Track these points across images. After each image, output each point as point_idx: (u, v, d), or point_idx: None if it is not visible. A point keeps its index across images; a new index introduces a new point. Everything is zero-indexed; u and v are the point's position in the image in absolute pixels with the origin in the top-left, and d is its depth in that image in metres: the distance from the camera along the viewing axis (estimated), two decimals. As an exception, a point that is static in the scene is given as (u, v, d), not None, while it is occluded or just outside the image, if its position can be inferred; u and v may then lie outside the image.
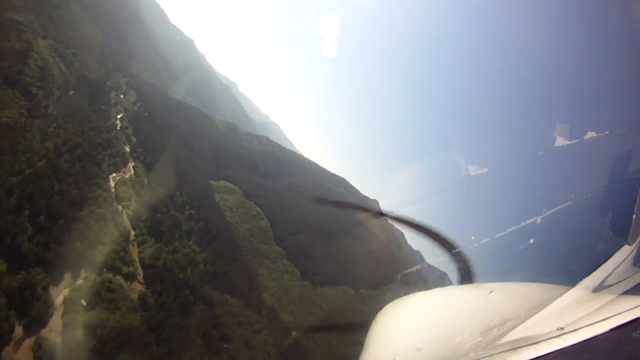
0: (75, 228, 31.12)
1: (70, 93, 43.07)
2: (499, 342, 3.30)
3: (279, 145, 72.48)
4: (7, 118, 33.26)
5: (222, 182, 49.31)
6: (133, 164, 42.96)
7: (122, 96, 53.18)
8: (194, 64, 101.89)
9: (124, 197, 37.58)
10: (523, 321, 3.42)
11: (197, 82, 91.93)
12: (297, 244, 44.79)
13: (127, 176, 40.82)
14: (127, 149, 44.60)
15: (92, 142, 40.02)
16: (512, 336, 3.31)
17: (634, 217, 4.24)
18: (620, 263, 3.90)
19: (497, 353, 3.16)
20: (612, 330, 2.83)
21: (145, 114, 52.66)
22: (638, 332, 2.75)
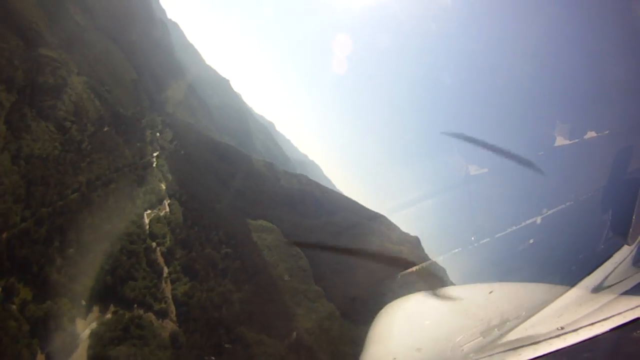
0: (106, 263, 30.68)
1: (105, 129, 43.11)
2: (499, 342, 3.30)
3: (317, 184, 71.93)
4: (40, 150, 33.34)
5: (260, 221, 49.23)
6: (169, 201, 42.47)
7: (158, 134, 53.09)
8: (230, 104, 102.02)
9: (158, 234, 37.03)
10: (523, 321, 3.42)
11: (234, 121, 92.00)
12: (338, 283, 44.02)
13: (162, 213, 40.31)
14: (163, 186, 44.17)
15: (126, 178, 39.78)
16: (512, 336, 3.31)
17: (634, 217, 4.23)
18: (620, 263, 3.90)
19: (497, 353, 3.16)
20: (612, 330, 2.83)
21: (182, 152, 52.42)
22: (638, 332, 2.75)
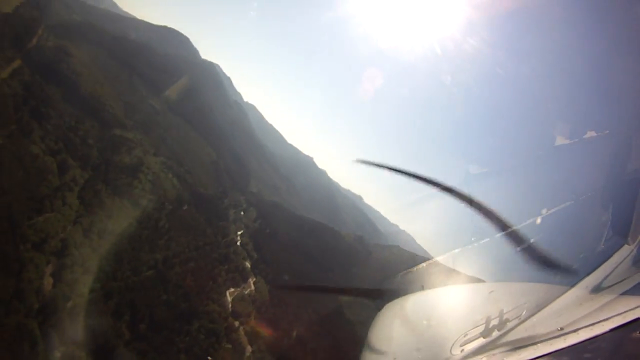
0: (181, 341, 30.20)
1: (184, 208, 43.01)
2: (499, 342, 3.30)
3: (410, 253, 69.36)
4: (114, 226, 33.52)
5: (352, 297, 48.78)
6: (254, 279, 41.71)
7: (242, 213, 52.66)
8: (316, 181, 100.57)
9: (241, 313, 36.20)
10: (523, 321, 3.42)
11: (321, 198, 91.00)
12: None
13: (246, 292, 39.56)
14: (248, 264, 43.43)
15: (207, 257, 39.32)
16: (512, 336, 3.31)
17: (634, 217, 4.23)
18: (620, 263, 3.90)
19: (497, 353, 3.16)
20: (612, 330, 2.83)
21: (267, 230, 51.72)
22: (638, 332, 2.75)
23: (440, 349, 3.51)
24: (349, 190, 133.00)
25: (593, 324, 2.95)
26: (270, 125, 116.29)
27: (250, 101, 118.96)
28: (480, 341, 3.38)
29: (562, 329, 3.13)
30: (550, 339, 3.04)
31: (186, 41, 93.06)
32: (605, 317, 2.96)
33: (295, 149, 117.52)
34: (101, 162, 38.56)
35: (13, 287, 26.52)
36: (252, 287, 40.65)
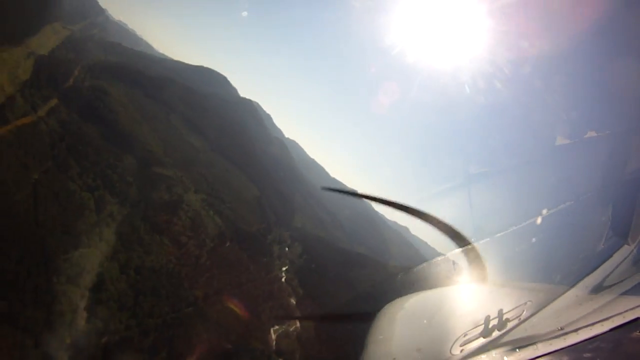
0: None
1: (227, 245, 42.48)
2: (499, 342, 3.30)
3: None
4: (152, 262, 33.34)
5: None
6: (299, 315, 40.93)
7: (286, 249, 52.03)
8: (361, 214, 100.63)
9: (286, 351, 35.44)
10: (523, 321, 3.42)
11: (367, 230, 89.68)
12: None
13: (291, 329, 38.56)
14: (293, 301, 42.69)
15: (250, 294, 38.77)
16: (512, 336, 3.31)
17: (634, 217, 4.23)
18: (620, 263, 3.90)
19: (497, 353, 3.16)
20: (612, 330, 2.83)
21: (313, 265, 51.00)
22: (638, 332, 2.75)
23: (440, 349, 3.51)
24: (395, 222, 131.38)
25: (593, 324, 2.95)
26: (313, 159, 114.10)
27: (292, 137, 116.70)
28: (480, 341, 3.38)
29: (562, 329, 3.13)
30: (550, 339, 3.04)
31: (223, 80, 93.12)
32: (605, 317, 2.96)
33: (339, 182, 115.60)
34: (140, 199, 38.50)
35: (43, 319, 26.35)
36: (298, 324, 39.60)
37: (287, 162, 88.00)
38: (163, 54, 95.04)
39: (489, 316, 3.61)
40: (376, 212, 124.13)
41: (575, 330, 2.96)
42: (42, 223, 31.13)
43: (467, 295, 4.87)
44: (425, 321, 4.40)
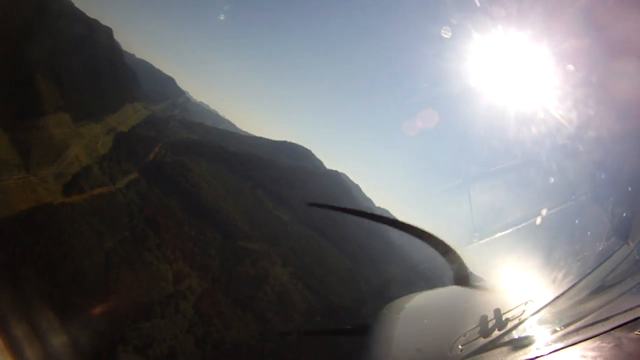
0: None
1: (317, 319, 41.84)
2: (499, 342, 3.30)
3: None
4: (232, 338, 33.00)
5: None
6: None
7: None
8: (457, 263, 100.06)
9: None
10: (523, 321, 3.42)
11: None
12: None
13: None
14: None
15: None
16: (512, 336, 3.31)
17: (634, 217, 4.23)
18: (620, 263, 3.90)
19: (497, 353, 3.16)
20: (612, 330, 2.83)
21: None
22: (638, 332, 2.75)
23: (440, 349, 3.51)
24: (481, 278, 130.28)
25: (593, 324, 2.95)
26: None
27: (383, 205, 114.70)
28: (480, 341, 3.38)
29: (562, 328, 3.14)
30: (550, 339, 3.04)
31: (308, 153, 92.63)
32: (605, 317, 2.96)
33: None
34: (223, 273, 38.08)
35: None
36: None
37: (379, 231, 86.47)
38: (246, 132, 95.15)
39: (488, 316, 3.61)
40: (473, 274, 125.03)
41: (576, 330, 2.97)
42: (112, 291, 30.87)
43: (467, 295, 4.88)
44: (425, 321, 4.40)
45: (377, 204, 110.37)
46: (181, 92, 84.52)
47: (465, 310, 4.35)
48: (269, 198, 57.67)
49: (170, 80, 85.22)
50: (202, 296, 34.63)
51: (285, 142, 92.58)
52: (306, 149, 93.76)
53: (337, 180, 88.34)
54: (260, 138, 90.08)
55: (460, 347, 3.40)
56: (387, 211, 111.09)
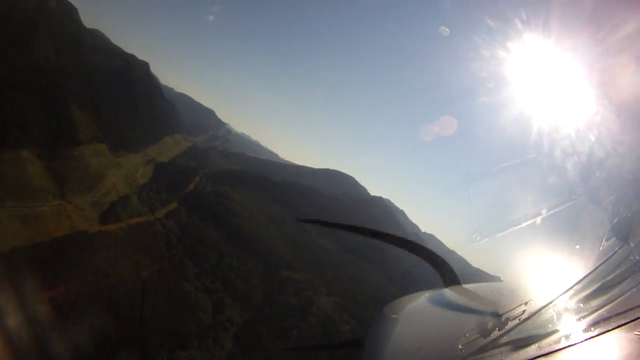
0: None
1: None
2: (499, 342, 3.30)
3: None
4: None
5: None
6: None
7: None
8: None
9: None
10: (523, 321, 3.42)
11: None
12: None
13: None
14: None
15: None
16: (512, 336, 3.30)
17: (634, 217, 4.22)
18: (620, 263, 3.90)
19: (497, 353, 3.15)
20: (612, 330, 2.83)
21: None
22: (638, 332, 2.75)
23: (440, 349, 3.51)
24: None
25: (593, 324, 2.95)
26: (453, 251, 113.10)
27: (429, 231, 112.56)
28: (480, 341, 3.38)
29: (562, 329, 3.13)
30: (550, 339, 3.04)
31: (352, 180, 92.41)
32: (605, 317, 2.96)
33: (483, 272, 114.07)
34: (265, 304, 38.02)
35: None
36: None
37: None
38: (288, 161, 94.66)
39: (488, 316, 3.61)
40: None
41: (576, 331, 2.97)
42: (147, 320, 30.70)
43: (467, 295, 4.87)
44: (425, 321, 4.40)
45: (423, 230, 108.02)
46: (222, 124, 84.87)
47: (465, 310, 4.35)
48: (313, 226, 57.90)
49: (210, 113, 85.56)
50: (243, 327, 34.54)
51: (327, 169, 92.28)
52: (349, 176, 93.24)
53: (381, 206, 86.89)
54: (302, 166, 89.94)
55: (460, 347, 3.40)
56: (433, 236, 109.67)
